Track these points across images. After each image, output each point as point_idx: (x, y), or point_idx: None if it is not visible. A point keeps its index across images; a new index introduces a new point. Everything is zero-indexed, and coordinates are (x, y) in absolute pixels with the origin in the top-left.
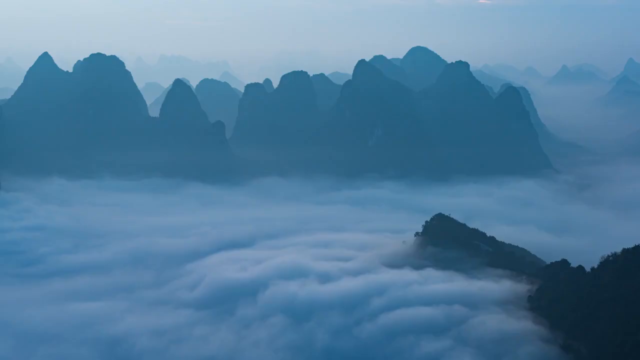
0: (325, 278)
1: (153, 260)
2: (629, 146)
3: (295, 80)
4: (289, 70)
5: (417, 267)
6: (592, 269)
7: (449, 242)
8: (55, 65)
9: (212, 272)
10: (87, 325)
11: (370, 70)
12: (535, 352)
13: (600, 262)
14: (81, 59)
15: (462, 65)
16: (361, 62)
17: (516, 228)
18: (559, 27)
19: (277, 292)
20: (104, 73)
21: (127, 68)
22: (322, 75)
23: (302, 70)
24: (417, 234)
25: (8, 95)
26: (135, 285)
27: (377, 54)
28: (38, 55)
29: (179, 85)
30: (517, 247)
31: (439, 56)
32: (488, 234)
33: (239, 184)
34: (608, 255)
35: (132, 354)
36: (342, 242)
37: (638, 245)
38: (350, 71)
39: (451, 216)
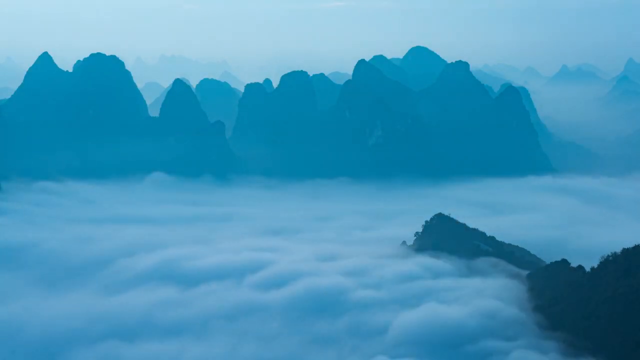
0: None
1: None
2: (630, 146)
3: (295, 80)
4: (289, 70)
5: (417, 266)
6: (592, 269)
7: (448, 242)
8: (55, 65)
9: None
10: None
11: (370, 70)
12: (535, 351)
13: (600, 262)
14: (81, 59)
15: (462, 65)
16: (361, 62)
17: (515, 228)
18: (559, 27)
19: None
20: (104, 73)
21: (127, 68)
22: (322, 75)
23: (302, 70)
24: (417, 233)
25: (8, 95)
26: None
27: (377, 54)
28: (38, 55)
29: (179, 85)
30: (517, 247)
31: (439, 56)
32: (488, 234)
33: (239, 183)
34: (608, 255)
35: None
36: (342, 241)
37: (638, 245)
38: (350, 71)
39: (451, 216)
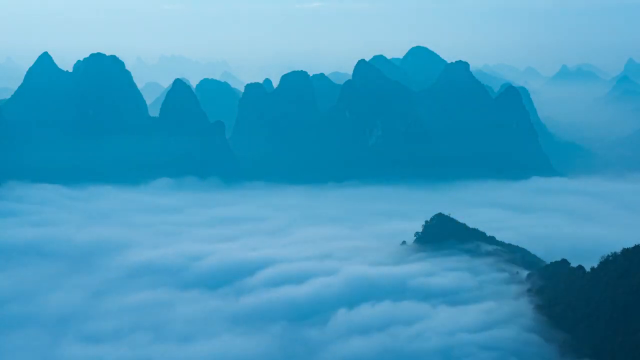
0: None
1: None
2: (630, 146)
3: (295, 80)
4: (289, 70)
5: (416, 266)
6: (592, 269)
7: (449, 242)
8: (55, 65)
9: None
10: None
11: (370, 70)
12: (534, 351)
13: (600, 262)
14: (81, 59)
15: (462, 65)
16: (361, 62)
17: (515, 228)
18: (559, 27)
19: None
20: (104, 73)
21: (127, 68)
22: (322, 75)
23: (302, 70)
24: (417, 234)
25: (8, 95)
26: None
27: (377, 54)
28: (38, 55)
29: (179, 85)
30: (517, 247)
31: (439, 56)
32: (488, 234)
33: (238, 183)
34: (608, 255)
35: None
36: (341, 240)
37: (638, 245)
38: (350, 71)
39: (451, 216)
